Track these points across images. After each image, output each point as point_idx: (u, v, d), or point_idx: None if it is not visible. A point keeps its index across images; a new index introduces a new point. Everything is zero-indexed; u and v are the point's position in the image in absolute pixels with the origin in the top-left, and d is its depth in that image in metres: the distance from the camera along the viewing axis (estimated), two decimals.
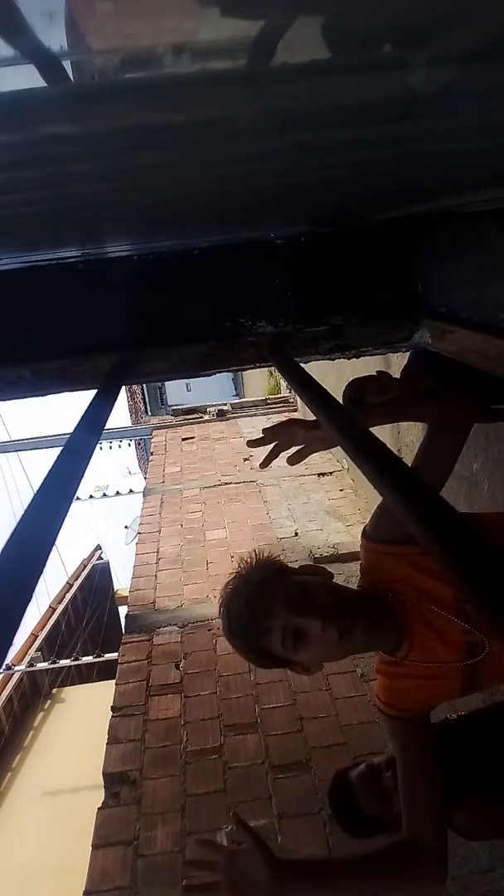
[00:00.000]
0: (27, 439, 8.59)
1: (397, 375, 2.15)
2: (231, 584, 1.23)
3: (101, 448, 8.87)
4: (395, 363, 3.85)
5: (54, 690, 6.02)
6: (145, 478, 7.12)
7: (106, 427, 0.84)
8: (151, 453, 7.54)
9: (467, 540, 0.40)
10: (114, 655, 4.24)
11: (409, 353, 2.03)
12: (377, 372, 2.14)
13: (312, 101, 0.41)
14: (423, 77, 0.38)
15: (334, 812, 1.33)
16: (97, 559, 8.69)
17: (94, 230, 0.96)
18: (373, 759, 1.31)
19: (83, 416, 0.75)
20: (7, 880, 3.91)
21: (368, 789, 1.25)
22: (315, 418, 0.71)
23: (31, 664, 5.62)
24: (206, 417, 8.55)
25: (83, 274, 1.18)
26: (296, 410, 8.42)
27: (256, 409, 8.85)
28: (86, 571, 8.06)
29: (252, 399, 9.95)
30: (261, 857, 1.11)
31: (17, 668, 5.57)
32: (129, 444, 10.37)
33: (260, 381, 12.86)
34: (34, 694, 5.89)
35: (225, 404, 9.03)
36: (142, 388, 14.83)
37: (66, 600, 7.05)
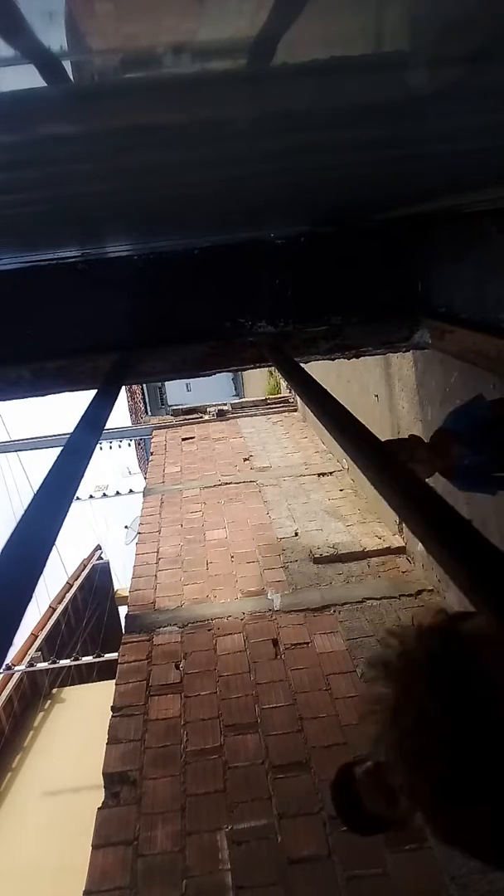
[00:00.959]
0: (27, 439, 8.58)
1: (399, 382, 2.13)
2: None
3: (101, 448, 8.87)
4: (395, 363, 3.85)
5: (54, 690, 6.02)
6: (145, 478, 7.12)
7: (106, 427, 0.84)
8: (151, 453, 7.54)
9: (468, 540, 0.40)
10: (114, 655, 4.24)
11: (444, 419, 1.94)
12: (409, 436, 2.01)
13: (312, 101, 0.41)
14: (424, 78, 0.38)
15: (336, 808, 1.26)
16: (97, 559, 8.68)
17: (94, 230, 0.96)
18: None
19: (83, 416, 0.75)
20: (7, 880, 3.91)
21: (374, 786, 1.20)
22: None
23: (31, 664, 5.62)
24: (206, 417, 8.54)
25: (83, 274, 1.18)
26: (296, 410, 8.42)
27: (256, 409, 8.85)
28: (86, 571, 8.06)
29: (252, 399, 9.95)
30: None
31: (17, 668, 5.57)
32: (129, 444, 10.36)
33: (260, 381, 12.86)
34: (34, 694, 5.88)
35: (225, 404, 9.02)
36: (142, 388, 14.81)
37: (66, 600, 7.04)
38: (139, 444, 10.89)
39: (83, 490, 8.51)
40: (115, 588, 9.08)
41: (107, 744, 3.06)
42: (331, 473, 6.06)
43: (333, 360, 1.29)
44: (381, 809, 1.10)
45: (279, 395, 9.31)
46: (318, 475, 6.06)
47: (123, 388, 1.16)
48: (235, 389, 21.55)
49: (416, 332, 1.23)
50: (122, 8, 0.27)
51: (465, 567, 0.38)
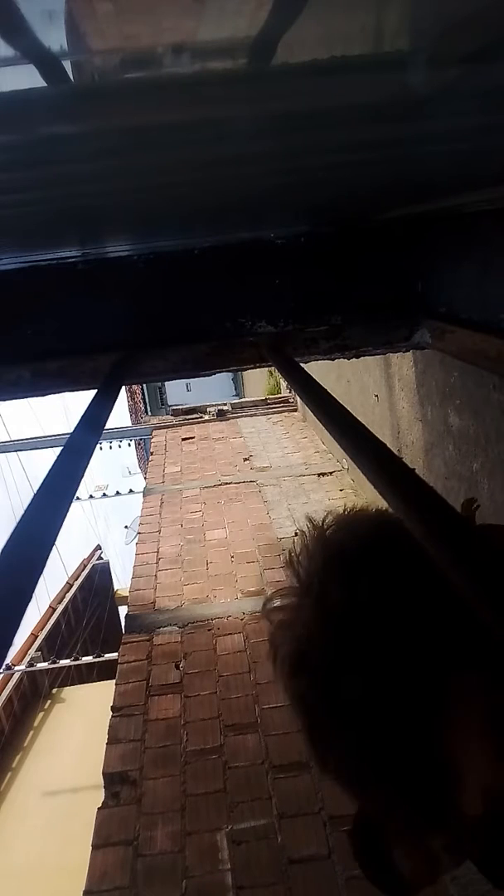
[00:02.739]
0: (27, 439, 8.59)
1: (399, 382, 2.13)
2: None
3: (101, 448, 8.86)
4: (395, 363, 3.85)
5: (54, 690, 6.02)
6: (145, 478, 7.12)
7: (106, 427, 0.84)
8: (151, 453, 7.54)
9: (467, 540, 0.40)
10: (114, 655, 4.24)
11: None
12: None
13: (312, 101, 0.41)
14: (423, 78, 0.38)
15: (358, 859, 0.66)
16: (97, 559, 8.68)
17: (94, 230, 0.96)
18: None
19: (83, 416, 0.76)
20: (7, 880, 3.91)
21: (411, 843, 0.63)
22: None
23: (31, 664, 5.62)
24: (206, 417, 8.54)
25: (83, 274, 1.18)
26: (296, 410, 8.42)
27: (256, 409, 8.84)
28: (86, 571, 8.05)
29: (252, 399, 9.95)
30: None
31: (17, 668, 5.57)
32: (129, 444, 10.36)
33: (260, 381, 12.86)
34: (34, 694, 5.88)
35: (225, 404, 9.02)
36: (142, 388, 14.83)
37: (66, 600, 7.04)
38: (139, 444, 10.90)
39: (83, 490, 8.51)
40: (115, 588, 9.08)
41: (107, 744, 3.06)
42: (331, 473, 6.06)
43: (333, 360, 1.29)
44: (415, 869, 0.65)
45: (279, 395, 9.31)
46: (318, 475, 6.06)
47: (123, 388, 1.16)
48: (235, 389, 21.55)
49: (416, 332, 1.23)
50: (122, 8, 0.27)
51: (465, 568, 0.38)
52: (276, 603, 0.53)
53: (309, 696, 0.49)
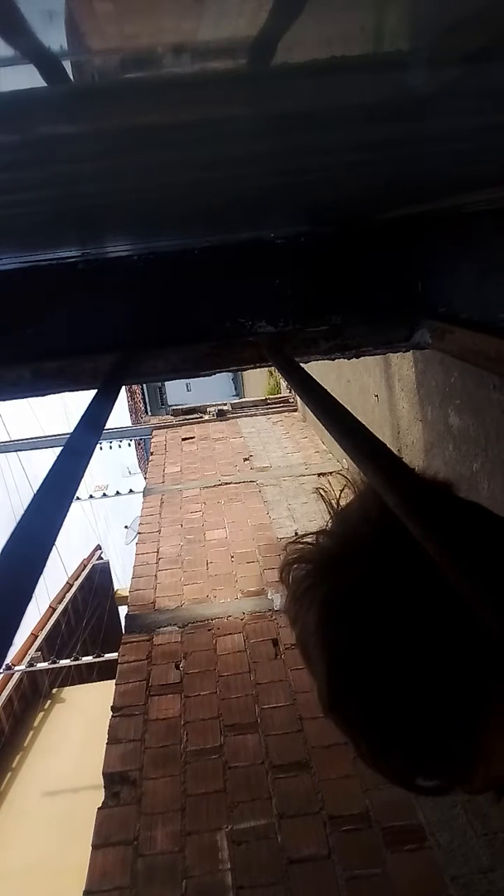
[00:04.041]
0: (27, 439, 8.58)
1: (399, 382, 2.13)
2: None
3: (101, 448, 8.86)
4: (395, 363, 3.85)
5: (54, 690, 6.02)
6: (145, 478, 7.12)
7: (106, 427, 0.84)
8: (151, 453, 7.54)
9: (467, 540, 0.40)
10: (114, 655, 4.24)
11: None
12: None
13: (312, 101, 0.41)
14: (423, 77, 0.38)
15: None
16: (97, 559, 8.68)
17: (94, 230, 0.96)
18: None
19: (83, 416, 0.76)
20: (7, 880, 3.91)
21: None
22: None
23: (31, 664, 5.62)
24: (206, 417, 8.54)
25: (83, 274, 1.18)
26: (296, 410, 8.42)
27: (256, 409, 8.84)
28: (86, 571, 8.05)
29: (252, 399, 9.94)
30: None
31: (17, 668, 5.57)
32: (129, 444, 10.36)
33: (260, 381, 12.85)
34: (34, 694, 5.88)
35: (225, 404, 9.02)
36: (142, 388, 14.84)
37: (66, 600, 7.04)
38: (139, 444, 10.90)
39: (83, 490, 8.50)
40: (115, 588, 9.08)
41: (107, 744, 3.06)
42: (331, 473, 6.06)
43: (333, 360, 1.29)
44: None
45: (279, 395, 9.30)
46: (318, 475, 6.05)
47: (123, 388, 1.16)
48: (235, 389, 21.54)
49: (416, 332, 1.23)
50: (122, 8, 0.27)
51: (464, 569, 0.38)
52: (307, 559, 0.56)
53: (340, 642, 0.51)
